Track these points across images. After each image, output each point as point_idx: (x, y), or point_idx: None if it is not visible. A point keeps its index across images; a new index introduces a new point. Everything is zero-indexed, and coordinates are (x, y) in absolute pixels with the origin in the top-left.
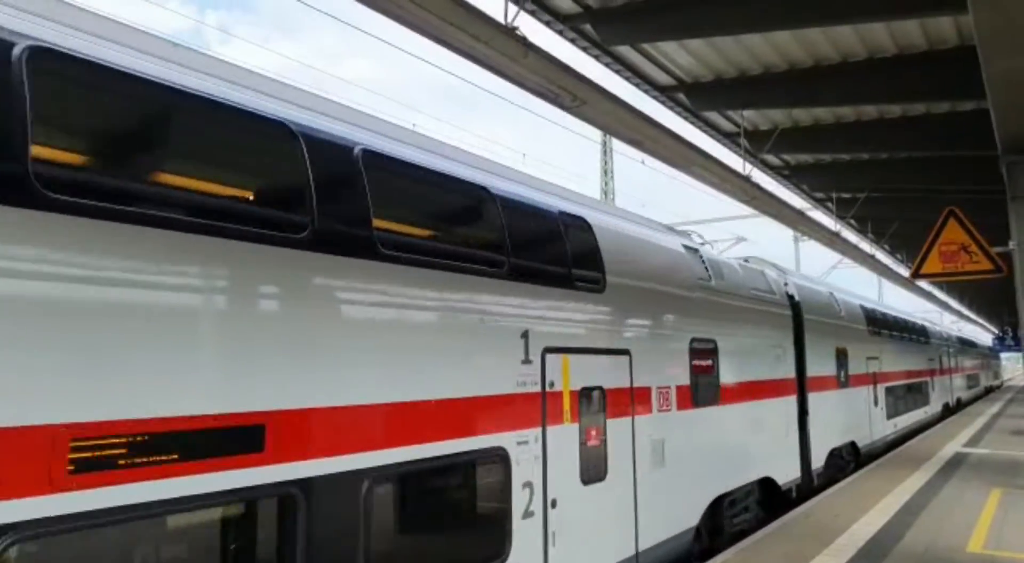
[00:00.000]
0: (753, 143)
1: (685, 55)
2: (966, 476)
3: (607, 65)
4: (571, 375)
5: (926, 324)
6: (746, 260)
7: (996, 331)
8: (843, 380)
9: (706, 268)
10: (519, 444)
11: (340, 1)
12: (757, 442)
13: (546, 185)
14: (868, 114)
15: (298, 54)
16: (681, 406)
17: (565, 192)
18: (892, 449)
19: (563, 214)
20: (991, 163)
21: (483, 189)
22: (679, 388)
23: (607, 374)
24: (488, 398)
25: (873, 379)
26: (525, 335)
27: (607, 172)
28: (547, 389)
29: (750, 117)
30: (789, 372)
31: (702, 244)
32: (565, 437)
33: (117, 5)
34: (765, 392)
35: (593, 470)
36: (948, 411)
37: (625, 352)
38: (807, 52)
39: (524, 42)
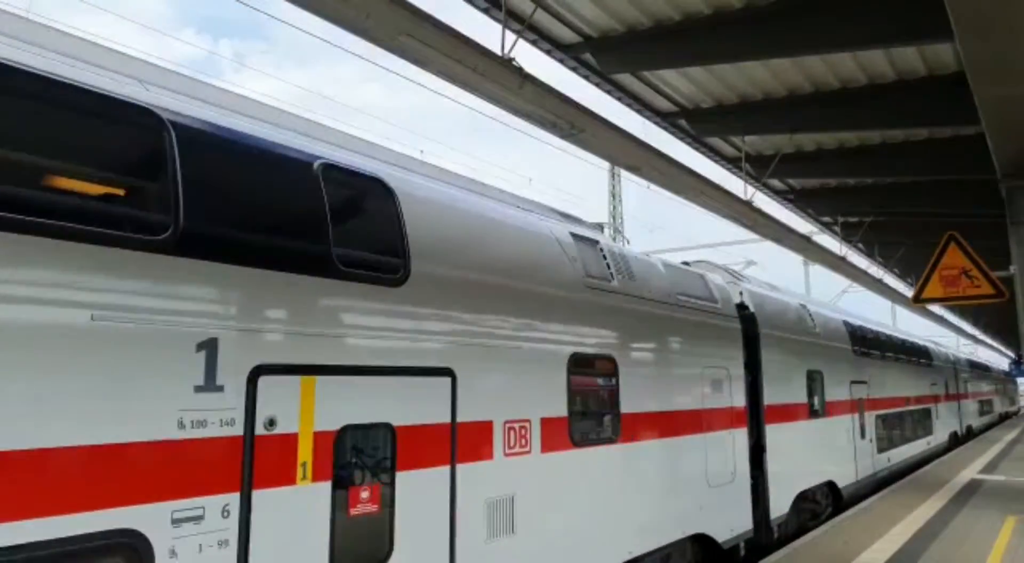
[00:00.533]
0: (756, 168)
1: (685, 82)
2: (980, 503)
3: (608, 92)
4: (320, 408)
5: (929, 345)
6: (686, 263)
7: (1013, 355)
8: (817, 408)
9: (607, 265)
10: (179, 522)
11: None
12: (683, 489)
13: (320, 131)
14: (871, 139)
15: (312, 82)
16: (549, 447)
17: (360, 145)
18: (887, 486)
19: (330, 167)
20: (994, 187)
21: (146, 112)
22: (546, 422)
23: (401, 405)
24: (98, 449)
25: (860, 406)
26: (208, 346)
27: (615, 196)
28: (259, 431)
29: (752, 142)
30: (735, 399)
31: (613, 238)
32: (297, 505)
33: (133, 37)
34: (695, 424)
35: (357, 553)
36: (956, 440)
37: (445, 372)
38: (806, 78)
39: (520, 73)
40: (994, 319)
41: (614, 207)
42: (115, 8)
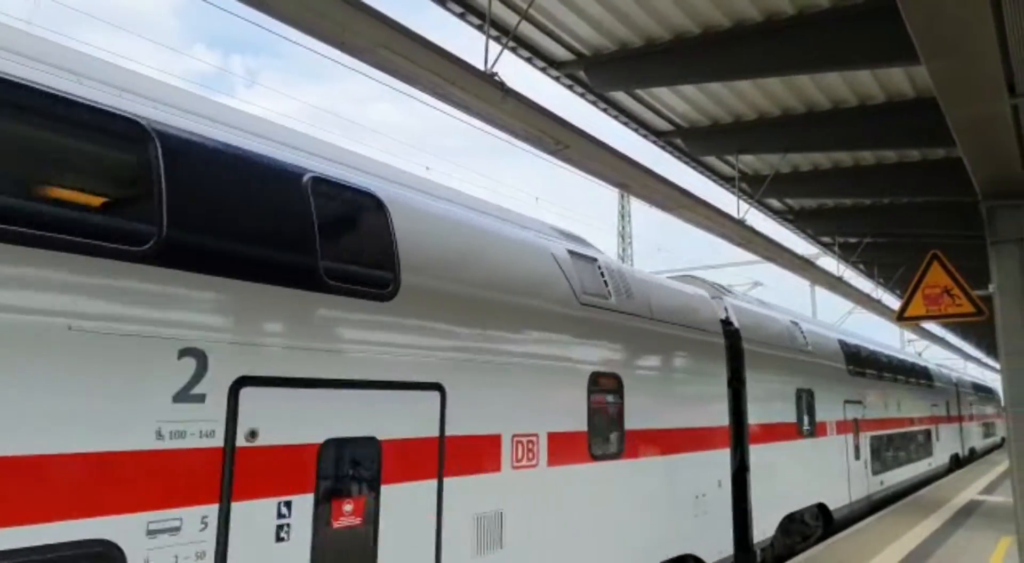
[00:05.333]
0: (753, 187)
1: (680, 102)
2: (976, 524)
3: (604, 110)
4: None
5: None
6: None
7: None
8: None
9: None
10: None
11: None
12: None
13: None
14: (866, 160)
15: (326, 99)
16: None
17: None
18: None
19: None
20: (977, 208)
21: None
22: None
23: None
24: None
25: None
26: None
27: (624, 216)
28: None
29: (748, 162)
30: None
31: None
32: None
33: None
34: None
35: None
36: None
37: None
38: (799, 99)
39: (502, 87)
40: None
41: (623, 227)
42: (128, 25)
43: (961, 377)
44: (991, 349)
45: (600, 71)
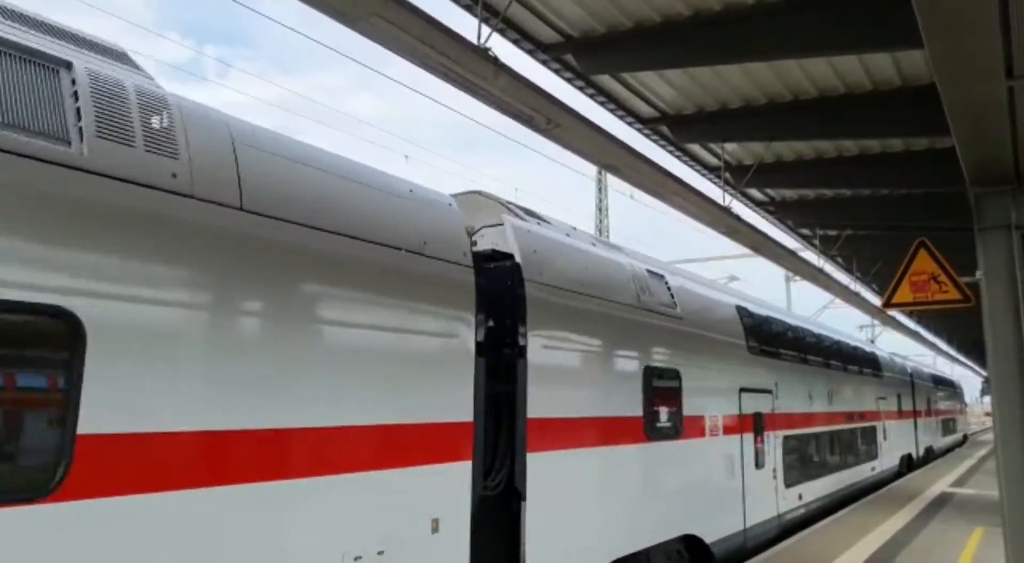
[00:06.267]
0: (737, 178)
1: (667, 88)
2: (949, 515)
3: (592, 96)
4: None
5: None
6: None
7: (983, 377)
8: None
9: None
10: None
11: (331, 34)
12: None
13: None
14: (849, 150)
15: (300, 90)
16: None
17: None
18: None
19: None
20: (963, 200)
21: None
22: None
23: None
24: None
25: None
26: None
27: (602, 210)
28: None
29: (733, 151)
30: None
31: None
32: None
33: (120, 35)
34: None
35: None
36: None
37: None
38: (785, 86)
39: (495, 62)
40: (967, 336)
41: (600, 220)
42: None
43: (918, 368)
44: (962, 346)
45: (588, 54)
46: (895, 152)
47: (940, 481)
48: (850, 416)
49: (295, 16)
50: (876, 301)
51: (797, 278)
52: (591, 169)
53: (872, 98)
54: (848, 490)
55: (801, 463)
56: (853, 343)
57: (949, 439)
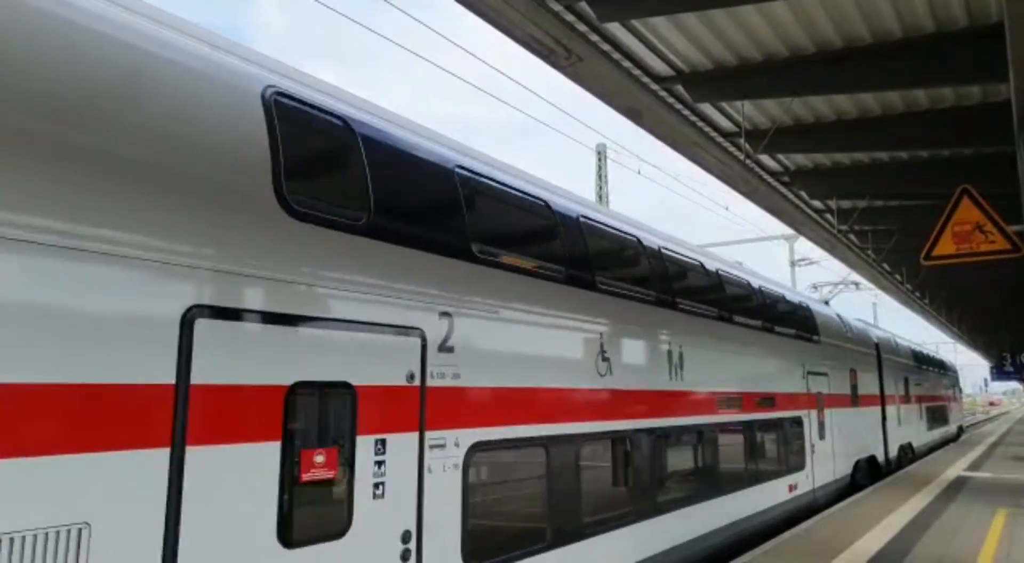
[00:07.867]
0: (753, 144)
1: (682, 40)
2: (969, 498)
3: (605, 54)
4: None
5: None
6: None
7: (991, 362)
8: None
9: None
10: None
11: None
12: None
13: None
14: (871, 111)
15: None
16: None
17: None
18: None
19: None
20: (996, 161)
21: None
22: None
23: None
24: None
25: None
26: None
27: (602, 199)
28: None
29: (750, 115)
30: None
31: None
32: None
33: None
34: None
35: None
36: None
37: None
38: (809, 36)
39: None
40: (977, 321)
41: (600, 187)
42: None
43: (890, 338)
44: (972, 331)
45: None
46: (918, 111)
47: (954, 466)
48: (741, 400)
49: (285, 16)
50: (888, 282)
51: (802, 264)
52: (591, 172)
53: (901, 46)
54: (710, 541)
55: (679, 480)
56: (762, 286)
57: (937, 433)
